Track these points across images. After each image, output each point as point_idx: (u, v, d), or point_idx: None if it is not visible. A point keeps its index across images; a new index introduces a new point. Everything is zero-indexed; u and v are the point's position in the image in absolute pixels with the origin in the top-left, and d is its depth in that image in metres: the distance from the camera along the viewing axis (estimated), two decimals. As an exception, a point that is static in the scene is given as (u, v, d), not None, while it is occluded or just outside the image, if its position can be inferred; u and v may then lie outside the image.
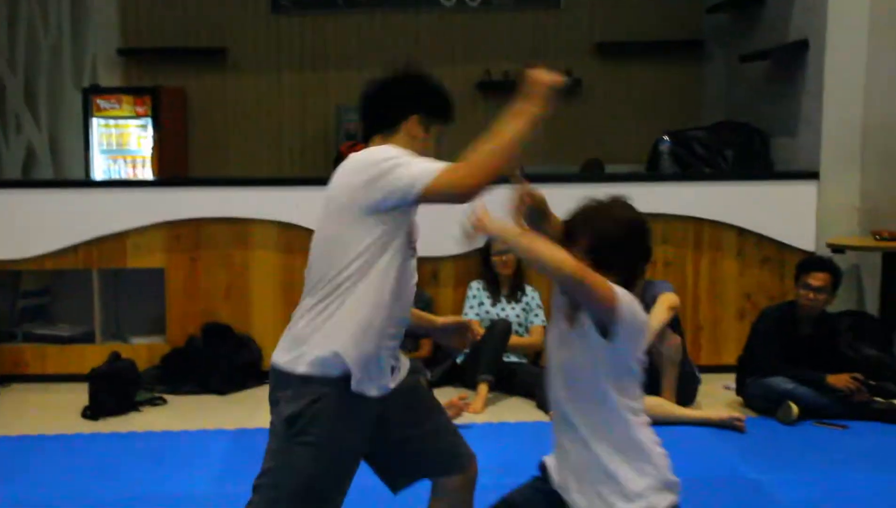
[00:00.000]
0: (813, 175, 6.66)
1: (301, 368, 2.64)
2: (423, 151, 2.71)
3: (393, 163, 2.55)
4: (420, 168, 2.53)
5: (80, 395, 5.78)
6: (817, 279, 5.47)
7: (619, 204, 2.69)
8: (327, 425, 2.61)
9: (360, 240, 2.60)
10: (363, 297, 2.60)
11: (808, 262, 5.69)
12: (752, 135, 7.42)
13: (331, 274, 2.63)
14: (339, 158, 7.05)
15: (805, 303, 5.51)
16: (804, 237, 6.56)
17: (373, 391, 2.67)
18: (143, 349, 6.51)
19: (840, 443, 5.09)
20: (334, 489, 2.69)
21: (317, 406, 2.61)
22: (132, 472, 4.69)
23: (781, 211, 6.61)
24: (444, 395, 5.80)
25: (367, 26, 8.98)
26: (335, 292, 2.62)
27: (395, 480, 2.93)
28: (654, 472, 2.54)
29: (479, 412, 5.57)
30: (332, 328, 2.61)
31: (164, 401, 6.00)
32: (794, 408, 5.32)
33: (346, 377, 2.62)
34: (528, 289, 6.25)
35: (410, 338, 6.17)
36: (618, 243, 2.60)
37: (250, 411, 5.80)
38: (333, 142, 8.64)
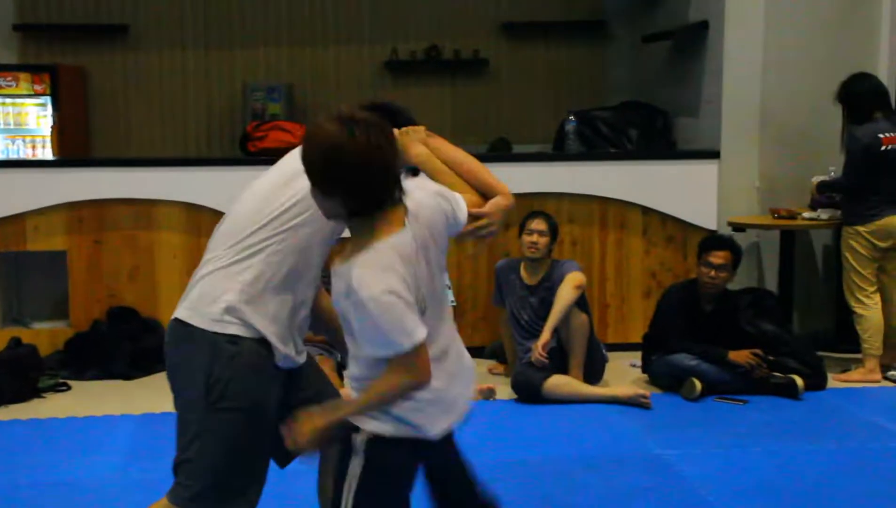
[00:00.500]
0: (714, 155, 6.80)
1: (212, 326, 2.59)
2: None
3: None
4: None
5: (-21, 382, 5.64)
6: (718, 258, 5.60)
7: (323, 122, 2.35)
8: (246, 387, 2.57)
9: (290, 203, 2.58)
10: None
11: (709, 241, 5.82)
12: (655, 115, 7.55)
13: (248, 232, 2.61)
14: (245, 138, 6.98)
15: (706, 281, 5.63)
16: (706, 216, 6.70)
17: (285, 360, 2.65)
18: (46, 334, 6.38)
19: (741, 417, 5.23)
20: (259, 454, 2.66)
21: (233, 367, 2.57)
22: (34, 459, 4.61)
23: (684, 190, 6.74)
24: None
25: (274, 3, 8.85)
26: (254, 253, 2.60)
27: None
28: None
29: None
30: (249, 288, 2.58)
31: (68, 387, 5.89)
32: (698, 384, 5.45)
33: (262, 339, 2.59)
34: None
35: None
36: (321, 170, 2.32)
37: (157, 395, 5.71)
38: (240, 121, 8.53)
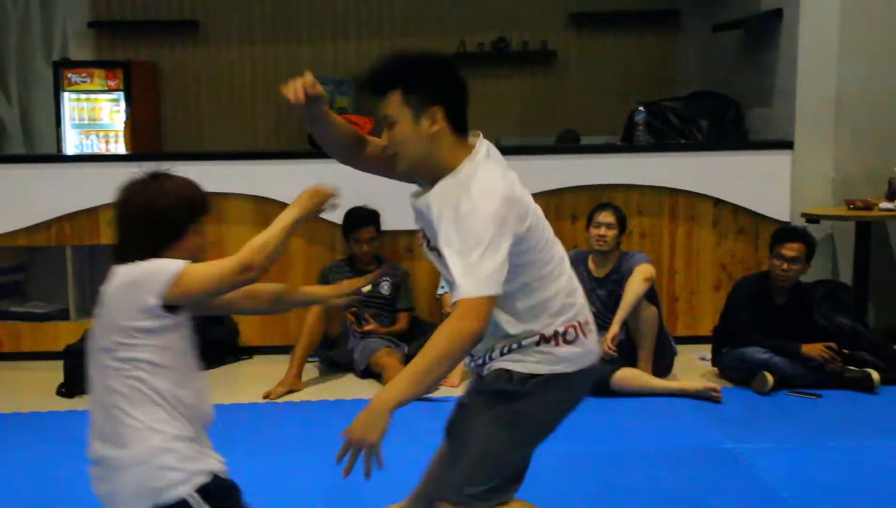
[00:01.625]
0: (787, 145, 6.67)
1: None
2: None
3: None
4: None
5: (55, 373, 5.73)
6: (791, 250, 5.50)
7: None
8: None
9: None
10: None
11: (782, 232, 5.72)
12: (726, 105, 7.43)
13: None
14: (314, 131, 7.05)
15: (779, 274, 5.53)
16: (779, 207, 6.58)
17: None
18: (119, 326, 6.46)
19: (814, 412, 5.14)
20: None
21: None
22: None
23: (756, 181, 6.63)
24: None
25: (341, -1, 8.91)
26: None
27: None
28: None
29: (456, 386, 5.57)
30: None
31: (141, 378, 5.96)
32: (770, 378, 5.36)
33: None
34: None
35: (388, 312, 6.18)
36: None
37: (226, 387, 5.78)
38: (308, 115, 8.58)
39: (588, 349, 2.68)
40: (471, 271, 2.36)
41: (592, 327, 2.73)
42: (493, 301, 2.37)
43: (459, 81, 2.57)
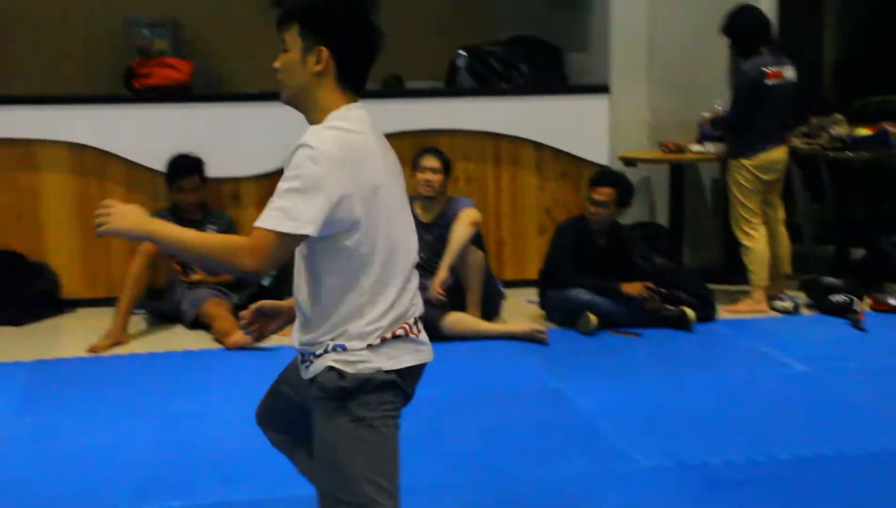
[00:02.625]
0: (604, 89, 6.86)
1: None
2: None
3: None
4: None
5: None
6: (601, 194, 5.69)
7: None
8: None
9: None
10: None
11: (594, 177, 5.91)
12: (545, 50, 7.55)
13: None
14: (130, 74, 6.79)
15: (591, 216, 5.73)
16: (598, 151, 6.77)
17: None
18: (-73, 281, 6.16)
19: (635, 350, 5.38)
20: None
21: None
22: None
23: (576, 126, 6.79)
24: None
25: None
26: None
27: None
28: None
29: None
30: None
31: (-46, 335, 5.72)
32: (593, 318, 5.56)
33: None
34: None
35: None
36: None
37: (48, 341, 5.60)
38: (124, 58, 8.27)
39: None
40: (279, 199, 2.27)
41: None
42: (285, 241, 2.25)
43: (366, 29, 2.50)
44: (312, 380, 2.38)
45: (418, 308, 2.50)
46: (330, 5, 2.47)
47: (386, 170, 2.43)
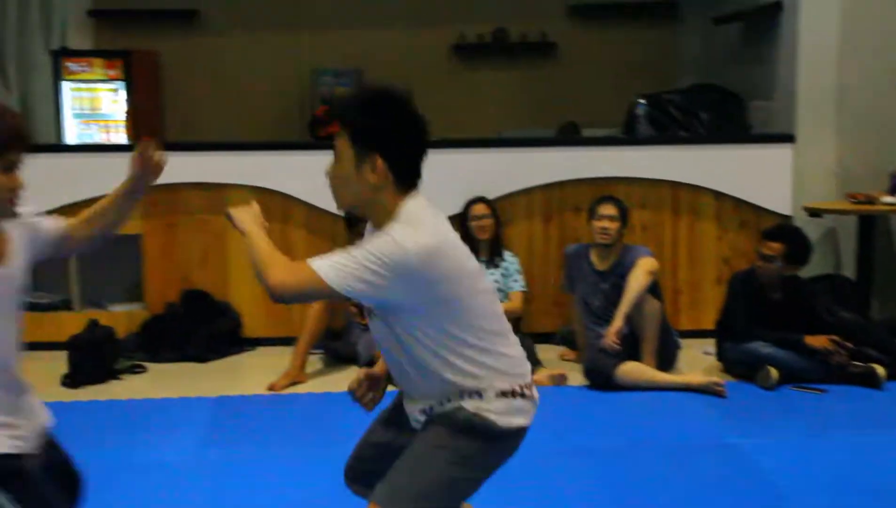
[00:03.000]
0: (788, 138, 6.68)
1: None
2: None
3: None
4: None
5: (58, 363, 5.73)
6: (769, 249, 5.51)
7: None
8: None
9: None
10: None
11: (766, 231, 5.75)
12: (727, 98, 7.43)
13: None
14: (315, 122, 7.03)
15: (758, 270, 5.57)
16: (781, 201, 6.59)
17: None
18: (122, 317, 6.47)
19: (819, 407, 5.14)
20: None
21: None
22: (113, 440, 4.67)
23: (758, 175, 6.63)
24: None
25: (341, -12, 8.88)
26: None
27: None
28: None
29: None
30: None
31: (144, 369, 5.97)
32: (774, 372, 5.37)
33: None
34: (507, 254, 6.24)
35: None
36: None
37: (230, 378, 5.79)
38: (309, 106, 8.57)
39: None
40: (344, 257, 2.39)
41: None
42: (319, 283, 2.36)
43: (416, 128, 2.50)
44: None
45: None
46: (381, 114, 2.46)
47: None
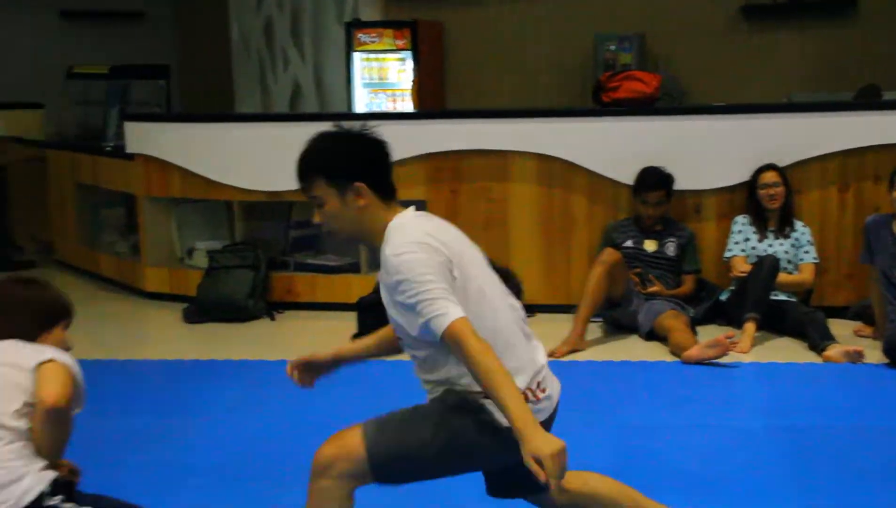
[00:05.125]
0: None
1: None
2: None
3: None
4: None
5: (348, 323, 5.96)
6: None
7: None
8: None
9: None
10: None
11: None
12: None
13: None
14: (599, 88, 6.94)
15: None
16: None
17: None
18: (407, 280, 6.65)
19: None
20: None
21: None
22: (401, 397, 4.79)
23: None
24: (708, 333, 5.65)
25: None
26: None
27: None
28: None
29: (745, 352, 5.38)
30: None
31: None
32: None
33: None
34: (798, 225, 5.96)
35: (673, 274, 6.04)
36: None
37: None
38: (591, 72, 8.49)
39: None
40: (433, 304, 2.48)
41: None
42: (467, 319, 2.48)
43: (377, 150, 2.69)
44: None
45: None
46: (339, 145, 2.67)
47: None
